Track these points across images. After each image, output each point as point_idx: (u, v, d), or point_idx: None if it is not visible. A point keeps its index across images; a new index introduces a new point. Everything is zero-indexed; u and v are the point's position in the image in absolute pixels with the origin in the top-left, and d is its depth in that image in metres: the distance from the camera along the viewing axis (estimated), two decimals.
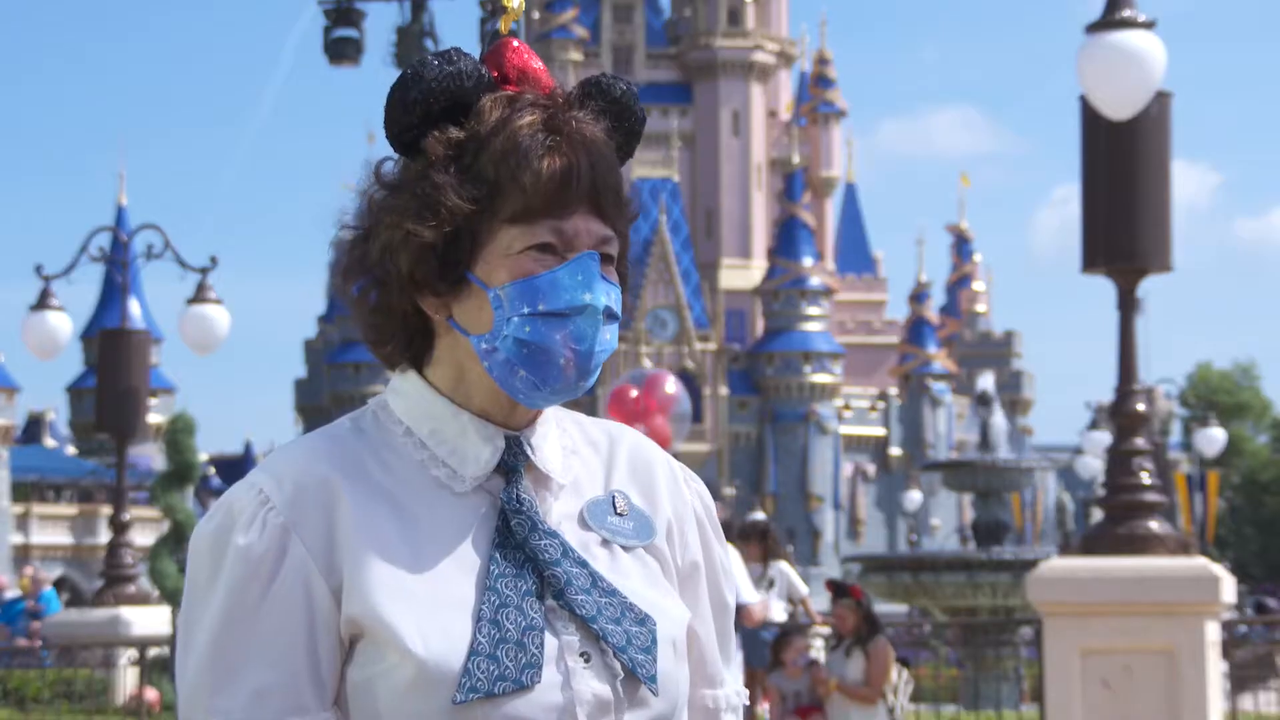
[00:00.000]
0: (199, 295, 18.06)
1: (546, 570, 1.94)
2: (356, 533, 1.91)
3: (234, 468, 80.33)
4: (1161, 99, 9.80)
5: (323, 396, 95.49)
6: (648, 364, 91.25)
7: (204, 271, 18.19)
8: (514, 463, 2.00)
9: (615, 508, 2.05)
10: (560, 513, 2.01)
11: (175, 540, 18.29)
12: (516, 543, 1.95)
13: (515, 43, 2.02)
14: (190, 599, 1.93)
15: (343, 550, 1.91)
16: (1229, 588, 9.43)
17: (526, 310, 1.92)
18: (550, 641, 1.91)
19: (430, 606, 1.89)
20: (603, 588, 1.96)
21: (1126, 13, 9.87)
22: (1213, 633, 9.43)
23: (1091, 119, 9.78)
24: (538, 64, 2.02)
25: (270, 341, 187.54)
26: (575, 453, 2.07)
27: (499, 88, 1.98)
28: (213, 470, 74.47)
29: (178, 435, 18.64)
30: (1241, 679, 18.98)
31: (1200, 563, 9.53)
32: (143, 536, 24.46)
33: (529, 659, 1.89)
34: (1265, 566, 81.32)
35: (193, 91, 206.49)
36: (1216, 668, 9.69)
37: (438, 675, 1.86)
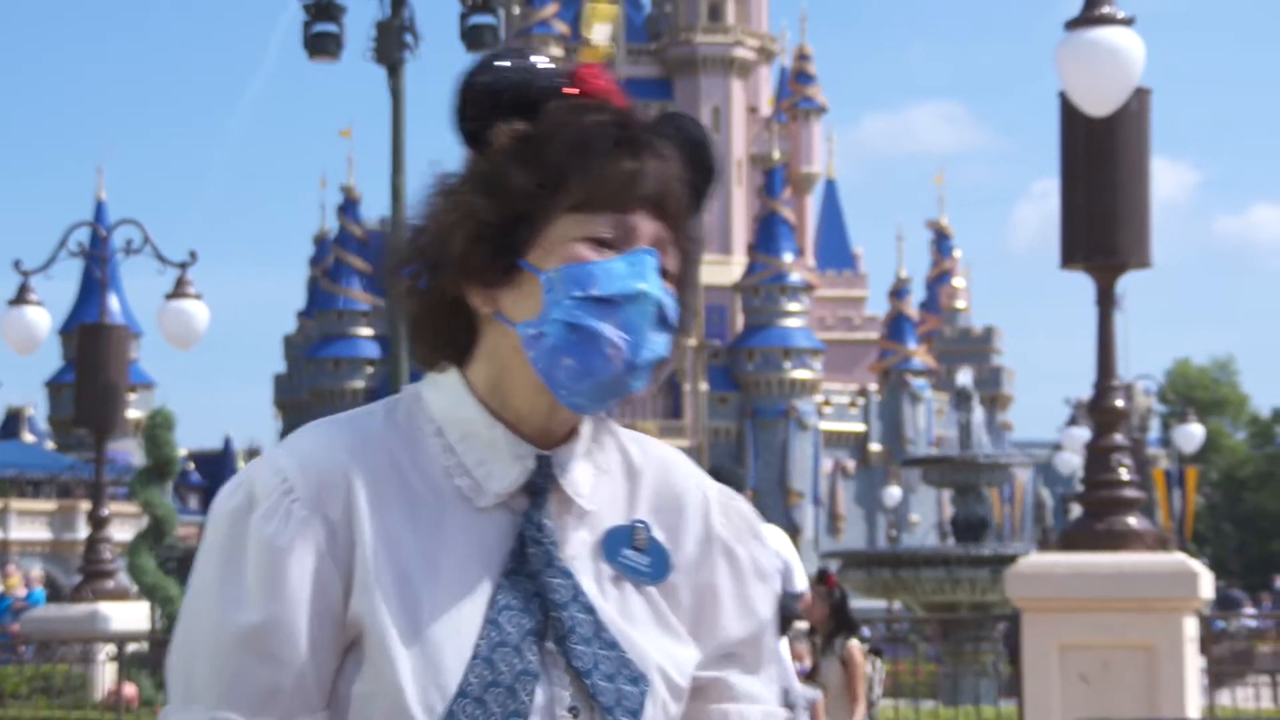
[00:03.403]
0: (178, 290, 18.04)
1: (553, 612, 1.88)
2: (372, 535, 1.87)
3: (213, 463, 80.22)
4: (1141, 95, 9.82)
5: (302, 392, 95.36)
6: None
7: (183, 266, 18.16)
8: (542, 484, 1.93)
9: (634, 540, 1.97)
10: (580, 541, 1.95)
11: (154, 536, 18.26)
12: (529, 572, 1.90)
13: (592, 65, 1.97)
14: (203, 576, 1.89)
15: (357, 550, 1.87)
16: (1207, 584, 9.46)
17: (577, 294, 1.86)
18: (542, 692, 1.86)
19: (428, 630, 1.85)
20: (604, 639, 1.90)
21: (1106, 9, 9.89)
22: (1191, 628, 9.46)
23: (1071, 115, 9.80)
24: (614, 85, 1.97)
25: (250, 337, 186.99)
26: (606, 473, 2.00)
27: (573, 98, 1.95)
28: (192, 465, 74.37)
29: (157, 430, 18.61)
30: (1219, 674, 19.04)
31: (1178, 559, 9.55)
32: (121, 532, 24.42)
33: (517, 708, 1.84)
34: (1243, 563, 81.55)
35: (172, 87, 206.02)
36: (1194, 663, 9.72)
37: (421, 712, 1.82)
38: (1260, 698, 18.81)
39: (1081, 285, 10.04)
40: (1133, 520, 9.70)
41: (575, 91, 1.94)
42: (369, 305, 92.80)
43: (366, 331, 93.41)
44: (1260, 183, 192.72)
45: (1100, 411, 10.10)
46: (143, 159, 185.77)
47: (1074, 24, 9.92)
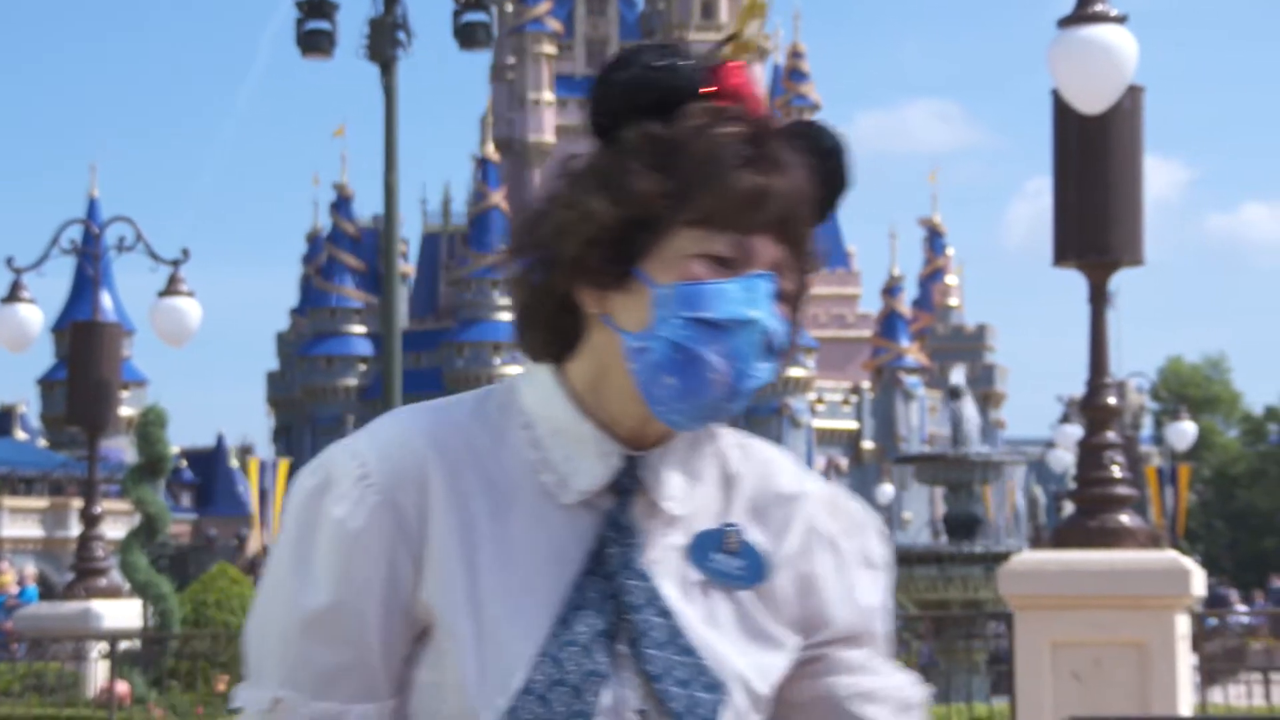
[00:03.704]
0: (170, 288, 18.01)
1: (627, 614, 1.86)
2: (445, 525, 1.86)
3: (206, 461, 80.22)
4: (1133, 93, 9.83)
5: (295, 389, 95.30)
6: None
7: (175, 264, 18.14)
8: (628, 485, 1.91)
9: (725, 544, 1.94)
10: (666, 545, 1.92)
11: (146, 533, 18.23)
12: (606, 573, 1.87)
13: (736, 65, 1.92)
14: (278, 555, 1.89)
15: (431, 540, 1.86)
16: (1199, 581, 9.47)
17: (687, 314, 1.82)
18: (608, 694, 1.83)
19: (497, 624, 1.84)
20: (680, 644, 1.86)
21: (1098, 7, 9.89)
22: (1183, 626, 9.47)
23: (1063, 113, 9.81)
24: (754, 89, 1.92)
25: (242, 334, 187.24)
26: (700, 479, 1.96)
27: (710, 100, 1.89)
28: (184, 463, 74.34)
29: (149, 428, 18.58)
30: (1211, 672, 19.04)
31: (1171, 556, 9.56)
32: (114, 529, 24.38)
33: (582, 708, 1.82)
34: (1235, 560, 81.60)
35: (165, 84, 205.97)
36: (1186, 661, 9.72)
37: (483, 706, 1.82)
38: (1252, 695, 18.81)
39: (1074, 283, 10.06)
40: (1125, 518, 9.71)
41: (714, 89, 1.90)
42: (362, 303, 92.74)
43: (359, 329, 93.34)
44: (1252, 181, 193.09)
45: (1093, 409, 10.11)
46: (136, 156, 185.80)
47: (1066, 22, 9.92)
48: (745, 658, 1.90)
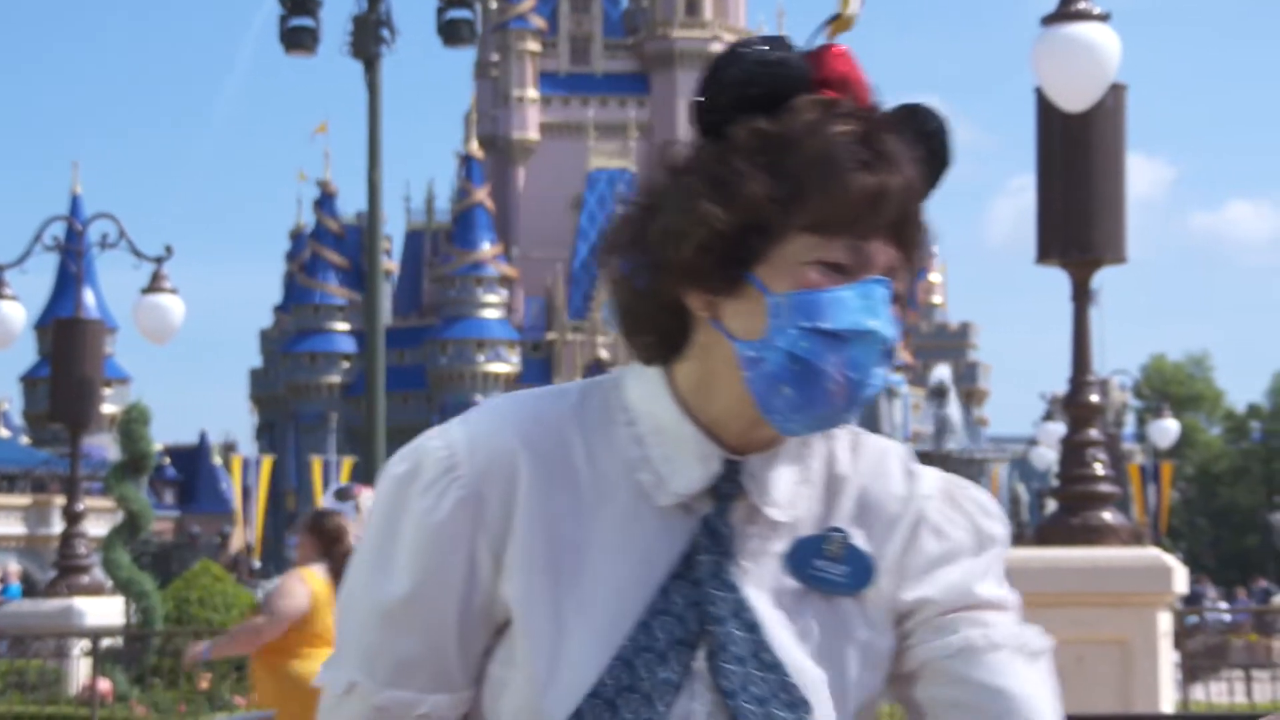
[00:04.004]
0: (154, 285, 17.99)
1: (709, 625, 1.81)
2: (529, 520, 1.83)
3: (189, 458, 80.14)
4: (1116, 91, 9.84)
5: (278, 386, 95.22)
6: (604, 355, 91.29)
7: (159, 261, 18.12)
8: (728, 490, 1.86)
9: (827, 550, 1.88)
10: (764, 552, 1.86)
11: (129, 530, 18.21)
12: (694, 580, 1.83)
13: (841, 49, 1.86)
14: (367, 538, 1.88)
15: (514, 537, 1.83)
16: (1181, 578, 9.49)
17: (805, 324, 1.76)
18: (681, 705, 1.80)
19: (573, 624, 1.81)
20: (764, 659, 1.81)
21: (1081, 5, 9.90)
22: (1165, 623, 9.48)
23: (1047, 111, 9.81)
24: (862, 74, 1.86)
25: (226, 331, 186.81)
26: (808, 483, 1.91)
27: (817, 90, 1.83)
28: (167, 460, 74.26)
29: (132, 425, 18.54)
30: (1193, 669, 19.09)
31: (1153, 553, 9.58)
32: (96, 527, 24.33)
33: (651, 716, 1.78)
34: (1217, 557, 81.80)
35: (149, 81, 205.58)
36: (1168, 658, 9.75)
37: (549, 707, 1.80)
38: (1234, 692, 18.87)
39: (1057, 281, 10.07)
40: (1107, 515, 9.72)
41: (824, 76, 1.84)
42: (345, 300, 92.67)
43: (343, 326, 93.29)
44: (1235, 179, 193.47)
45: (1075, 407, 10.13)
46: (119, 153, 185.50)
47: (1050, 20, 9.94)
48: (836, 674, 1.86)
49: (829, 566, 1.87)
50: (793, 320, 1.77)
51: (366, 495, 17.85)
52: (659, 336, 1.87)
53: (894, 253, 1.81)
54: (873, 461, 1.94)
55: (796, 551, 1.87)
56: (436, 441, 1.87)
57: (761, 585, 1.85)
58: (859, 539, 1.89)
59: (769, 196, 1.78)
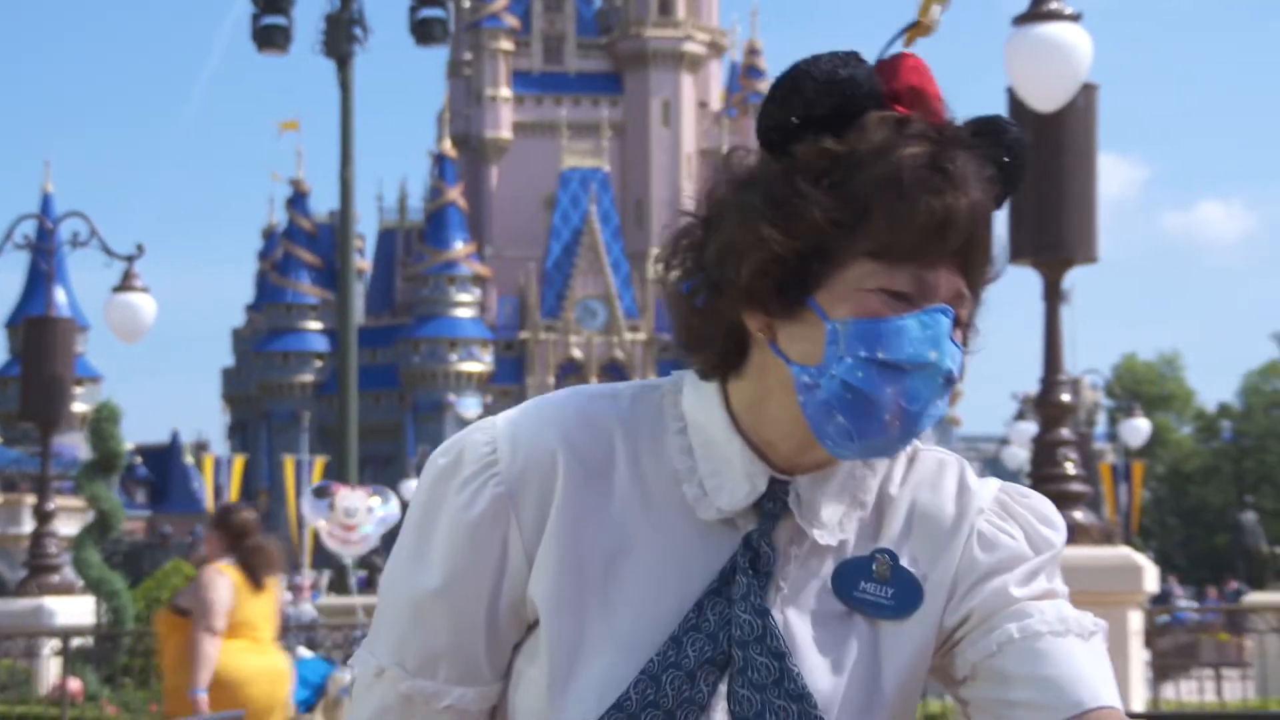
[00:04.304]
0: (125, 283, 17.93)
1: (733, 648, 1.78)
2: (564, 523, 1.81)
3: (160, 457, 79.89)
4: (1088, 91, 9.87)
5: (251, 386, 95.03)
6: (577, 354, 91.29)
7: (130, 259, 18.06)
8: (773, 509, 1.83)
9: (875, 572, 1.84)
10: (807, 575, 1.83)
11: (100, 530, 18.15)
12: (730, 598, 1.79)
13: (914, 60, 1.81)
14: (405, 526, 1.89)
15: (547, 539, 1.81)
16: (1152, 577, 9.52)
17: (863, 354, 1.72)
18: None
19: (598, 630, 1.80)
20: (789, 689, 1.77)
21: (1053, 5, 9.93)
22: (1135, 622, 9.51)
23: (1018, 111, 9.83)
24: (935, 87, 1.80)
25: (198, 330, 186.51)
26: (858, 503, 1.86)
27: (888, 105, 1.78)
28: (139, 460, 74.00)
29: (103, 424, 18.48)
30: (1164, 668, 19.13)
31: (1123, 552, 9.61)
32: (67, 526, 24.26)
33: None
34: (1188, 556, 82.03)
35: (121, 79, 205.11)
36: (1139, 657, 9.77)
37: (564, 711, 1.79)
38: (1204, 691, 18.91)
39: (1029, 280, 10.09)
40: (1078, 514, 9.75)
41: (895, 90, 1.79)
42: (318, 299, 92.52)
43: (315, 325, 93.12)
44: (1207, 179, 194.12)
45: (1047, 406, 10.15)
46: (90, 151, 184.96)
47: (1021, 20, 9.96)
48: (874, 699, 1.83)
49: (875, 590, 1.84)
50: (851, 349, 1.73)
51: (343, 494, 17.77)
52: (716, 354, 1.83)
53: (959, 280, 1.76)
54: (928, 477, 1.90)
55: (842, 573, 1.84)
56: (480, 436, 1.86)
57: (803, 608, 1.82)
58: (906, 560, 1.86)
59: (832, 221, 1.73)
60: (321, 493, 17.85)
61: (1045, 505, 1.93)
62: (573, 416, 1.85)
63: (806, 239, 1.74)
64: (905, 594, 1.84)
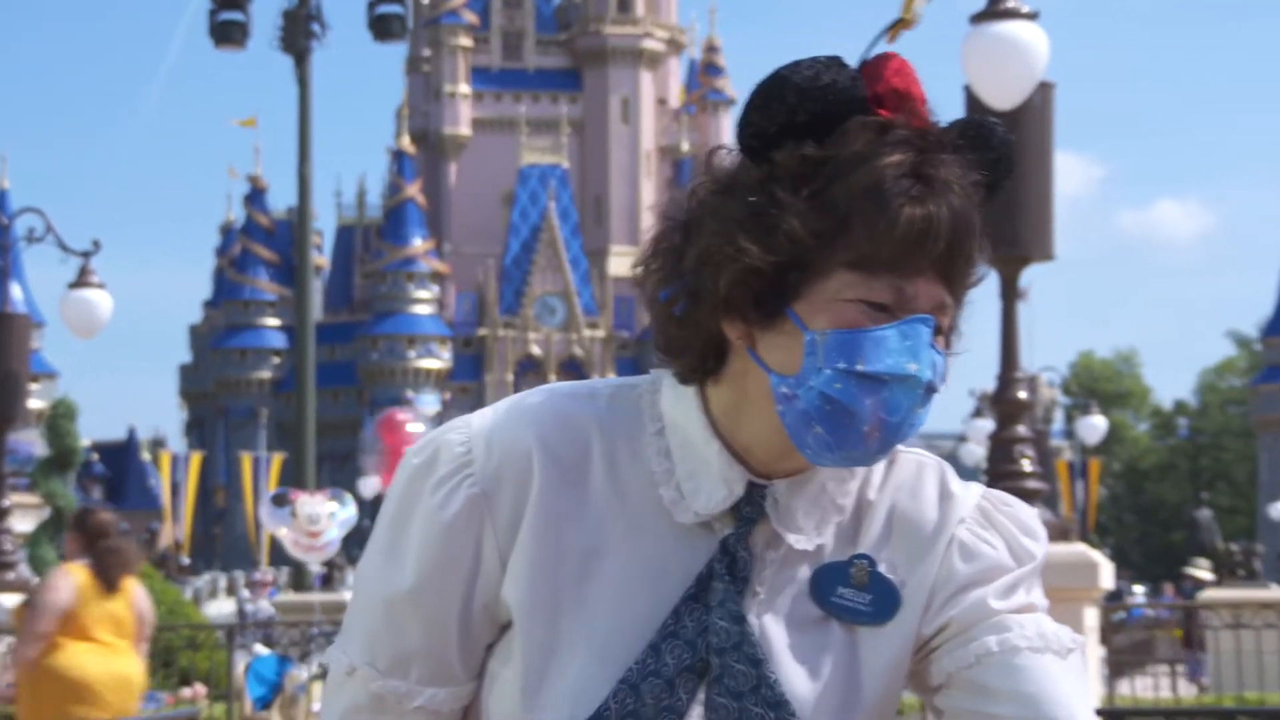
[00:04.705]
0: (81, 279, 17.87)
1: (710, 655, 1.77)
2: (538, 526, 1.80)
3: (117, 454, 79.52)
4: (1044, 89, 9.90)
5: (208, 382, 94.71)
6: (536, 351, 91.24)
7: (86, 255, 18.00)
8: (750, 513, 1.81)
9: (852, 578, 1.83)
10: (784, 579, 1.82)
11: (55, 526, 18.10)
12: (707, 604, 1.78)
13: (898, 62, 1.79)
14: (379, 524, 1.87)
15: (520, 541, 1.80)
16: (1107, 574, 9.56)
17: (842, 365, 1.71)
18: None
19: (571, 634, 1.79)
20: (766, 696, 1.76)
21: (1010, 4, 9.96)
22: (1091, 619, 9.55)
23: (975, 109, 9.86)
24: (919, 89, 1.78)
25: (155, 327, 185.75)
26: (836, 508, 1.85)
27: (871, 109, 1.76)
28: (95, 456, 73.65)
29: (59, 421, 18.44)
30: (1119, 664, 19.22)
31: (1079, 549, 9.64)
32: (23, 523, 24.15)
33: None
34: (1144, 553, 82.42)
35: (77, 75, 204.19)
36: (1094, 653, 9.81)
37: (537, 716, 1.78)
38: (1159, 687, 19.00)
39: (986, 277, 10.11)
40: (1035, 511, 9.79)
41: (878, 92, 1.76)
42: (276, 295, 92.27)
43: (273, 322, 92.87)
44: (1163, 177, 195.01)
45: (1003, 403, 10.18)
46: (46, 147, 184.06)
47: (978, 18, 9.98)
48: (852, 705, 1.81)
49: (853, 595, 1.82)
50: (830, 360, 1.72)
51: (303, 501, 17.72)
52: (695, 360, 1.81)
53: (940, 288, 1.75)
54: (907, 481, 1.89)
55: (819, 578, 1.83)
56: (456, 435, 1.85)
57: (779, 614, 1.81)
58: (885, 566, 1.84)
59: (811, 231, 1.72)
60: (280, 500, 17.77)
61: (1028, 515, 1.92)
62: (549, 417, 1.84)
63: (784, 252, 1.72)
64: (883, 600, 1.83)
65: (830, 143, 1.74)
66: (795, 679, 1.79)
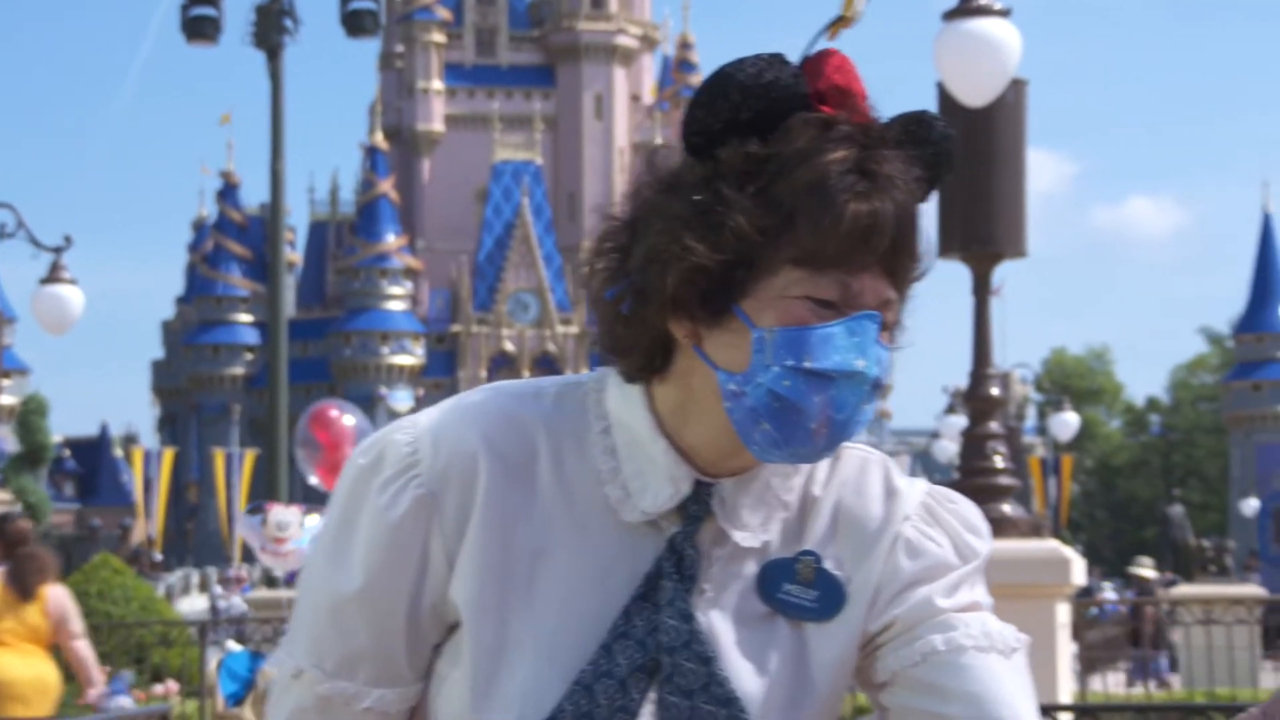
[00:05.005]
0: (52, 275, 17.83)
1: (660, 655, 1.77)
2: (485, 526, 1.80)
3: (89, 450, 79.38)
4: (1017, 86, 9.91)
5: (181, 378, 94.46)
6: (509, 347, 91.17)
7: (58, 251, 17.95)
8: (696, 511, 1.82)
9: (798, 574, 1.83)
10: (730, 576, 1.83)
11: None
12: (656, 603, 1.79)
13: (839, 58, 1.79)
14: (325, 527, 1.87)
15: (467, 541, 1.80)
16: (1079, 570, 9.57)
17: (791, 362, 1.71)
18: None
19: (521, 634, 1.79)
20: (716, 693, 1.77)
21: (983, 1, 9.97)
22: (1063, 615, 9.57)
23: (948, 105, 9.86)
24: (860, 85, 1.79)
25: (127, 323, 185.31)
26: (781, 505, 1.86)
27: (814, 105, 1.76)
28: (67, 452, 73.52)
29: (30, 416, 18.40)
30: (1091, 660, 19.27)
31: (1051, 545, 9.65)
32: None
33: None
34: (1117, 550, 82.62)
35: (49, 70, 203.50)
36: (1067, 649, 9.83)
37: (488, 717, 1.78)
38: (1132, 683, 19.05)
39: (959, 274, 10.13)
40: (1007, 507, 9.79)
41: (820, 89, 1.76)
42: (248, 291, 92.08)
43: (246, 318, 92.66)
44: (1136, 175, 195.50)
45: (976, 400, 10.19)
46: (18, 142, 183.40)
47: (951, 15, 9.99)
48: (800, 701, 1.82)
49: (799, 591, 1.83)
50: (777, 357, 1.72)
51: (276, 511, 17.77)
52: (642, 358, 1.82)
53: (885, 284, 1.76)
54: (852, 477, 1.90)
55: (766, 575, 1.83)
56: (402, 436, 1.84)
57: (727, 611, 1.82)
58: (831, 562, 1.85)
59: (757, 228, 1.72)
60: (254, 511, 17.79)
61: (972, 512, 1.93)
62: (495, 416, 1.84)
63: (730, 250, 1.73)
64: (828, 597, 1.84)
65: (774, 140, 1.74)
66: (744, 675, 1.80)
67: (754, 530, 1.83)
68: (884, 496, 1.89)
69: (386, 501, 1.81)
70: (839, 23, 1.84)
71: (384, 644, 1.83)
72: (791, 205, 1.72)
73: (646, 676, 1.77)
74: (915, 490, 1.91)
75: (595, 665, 1.77)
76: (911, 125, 1.79)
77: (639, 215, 1.80)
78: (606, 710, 1.76)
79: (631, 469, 1.82)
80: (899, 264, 1.76)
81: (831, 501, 1.88)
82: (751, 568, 1.83)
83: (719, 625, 1.81)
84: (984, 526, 1.93)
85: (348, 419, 22.30)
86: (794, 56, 1.79)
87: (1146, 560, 28.03)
